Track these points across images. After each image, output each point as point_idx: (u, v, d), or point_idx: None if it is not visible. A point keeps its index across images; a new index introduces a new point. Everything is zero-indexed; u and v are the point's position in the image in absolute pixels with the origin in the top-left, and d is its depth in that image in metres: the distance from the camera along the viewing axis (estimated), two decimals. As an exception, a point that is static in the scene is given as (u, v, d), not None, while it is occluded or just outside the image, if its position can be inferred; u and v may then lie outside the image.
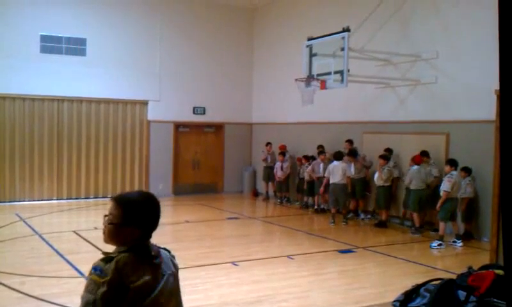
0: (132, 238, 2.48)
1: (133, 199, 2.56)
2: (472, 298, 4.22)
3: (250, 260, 8.59)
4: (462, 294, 4.22)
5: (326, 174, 12.48)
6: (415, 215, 10.96)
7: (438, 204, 10.07)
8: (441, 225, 10.04)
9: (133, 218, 2.48)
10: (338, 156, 12.26)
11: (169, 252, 2.70)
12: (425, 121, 11.71)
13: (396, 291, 6.37)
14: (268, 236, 11.34)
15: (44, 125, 14.95)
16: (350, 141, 13.22)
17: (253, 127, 18.00)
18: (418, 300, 4.15)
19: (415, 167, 10.89)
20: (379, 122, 12.88)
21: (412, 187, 10.88)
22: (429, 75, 11.64)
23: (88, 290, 2.37)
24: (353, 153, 12.57)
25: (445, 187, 9.93)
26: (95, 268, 2.40)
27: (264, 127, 17.39)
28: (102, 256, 2.46)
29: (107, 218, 2.52)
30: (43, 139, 14.96)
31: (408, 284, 6.42)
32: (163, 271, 2.53)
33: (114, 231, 2.49)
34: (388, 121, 12.64)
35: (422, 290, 4.14)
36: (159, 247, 2.62)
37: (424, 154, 11.12)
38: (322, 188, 12.90)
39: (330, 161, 13.10)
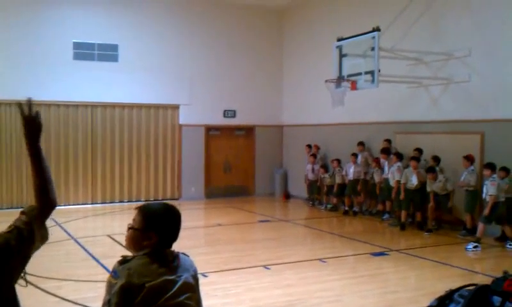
0: (150, 244, 2.61)
1: (154, 208, 2.74)
2: (508, 304, 4.09)
3: (282, 264, 8.57)
4: (497, 300, 4.09)
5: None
6: (469, 217, 10.68)
7: (487, 210, 9.79)
8: (481, 227, 9.82)
9: (152, 224, 2.63)
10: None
11: (187, 256, 2.80)
12: (459, 121, 11.50)
13: (430, 295, 6.25)
14: (300, 239, 11.30)
15: (78, 130, 15.26)
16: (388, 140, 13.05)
17: (284, 129, 17.98)
18: (452, 306, 4.05)
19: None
20: (412, 122, 12.70)
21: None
22: (462, 74, 11.42)
23: (106, 290, 2.54)
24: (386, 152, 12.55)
25: (491, 190, 9.73)
26: (112, 270, 2.57)
27: (294, 129, 17.36)
28: (120, 258, 2.62)
29: (129, 224, 2.70)
30: (78, 144, 15.27)
31: (442, 287, 6.29)
32: (180, 274, 2.62)
33: (133, 236, 2.66)
34: (420, 121, 12.46)
35: (455, 295, 4.02)
36: (178, 252, 2.73)
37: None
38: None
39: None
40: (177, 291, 2.57)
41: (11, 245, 2.09)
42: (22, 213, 2.24)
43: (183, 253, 2.77)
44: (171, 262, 2.64)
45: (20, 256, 2.13)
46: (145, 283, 2.49)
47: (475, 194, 10.53)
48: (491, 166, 9.99)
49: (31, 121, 2.31)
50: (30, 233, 2.17)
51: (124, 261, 2.59)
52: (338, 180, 14.13)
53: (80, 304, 6.53)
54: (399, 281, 7.77)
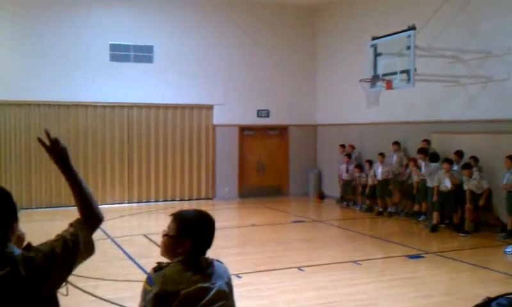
0: (184, 251, 2.65)
1: (188, 214, 2.77)
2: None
3: (315, 265, 8.53)
4: (536, 309, 4.00)
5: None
6: (511, 219, 10.38)
7: None
8: None
9: (186, 231, 2.67)
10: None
11: (221, 263, 2.81)
12: (498, 120, 11.22)
13: (466, 299, 6.16)
14: (334, 240, 11.22)
15: (115, 131, 15.54)
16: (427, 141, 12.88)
17: (318, 129, 17.88)
18: (489, 315, 3.96)
19: None
20: (449, 121, 12.46)
21: None
22: (501, 72, 11.14)
23: (141, 296, 2.59)
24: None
25: None
26: (147, 276, 2.62)
27: (329, 128, 17.24)
28: (155, 265, 2.66)
29: (163, 231, 2.73)
30: (115, 144, 15.54)
31: (479, 292, 6.18)
32: (214, 281, 2.63)
33: (168, 243, 2.71)
34: (457, 121, 12.21)
35: (493, 304, 3.94)
36: (212, 259, 2.75)
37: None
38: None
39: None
40: (211, 299, 2.59)
41: (56, 253, 2.19)
42: (70, 225, 2.34)
43: (217, 260, 2.78)
44: (206, 269, 2.66)
45: (64, 266, 2.22)
46: (180, 291, 2.52)
47: None
48: None
49: (54, 149, 2.37)
50: (75, 244, 2.26)
51: (159, 268, 2.63)
52: (370, 181, 14.02)
53: (116, 304, 6.66)
54: (435, 284, 7.64)
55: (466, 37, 11.87)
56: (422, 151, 12.42)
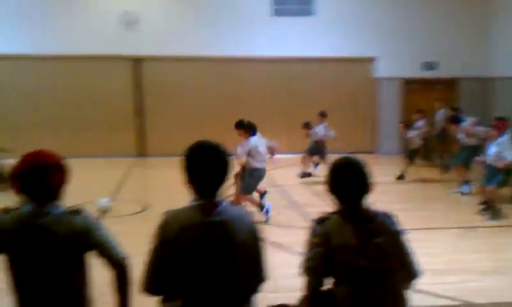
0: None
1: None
2: None
3: (484, 227, 7.97)
4: None
5: None
6: None
7: None
8: None
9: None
10: None
11: (390, 217, 2.70)
12: None
13: None
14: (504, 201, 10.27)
15: (274, 85, 15.93)
16: None
17: (496, 82, 16.10)
18: None
19: None
20: None
21: None
22: None
23: (306, 247, 2.70)
24: None
25: None
26: (311, 228, 2.71)
27: (510, 81, 15.40)
28: (316, 218, 2.74)
29: None
30: (276, 98, 15.94)
31: None
32: (372, 236, 2.58)
33: None
34: None
35: None
36: (379, 213, 2.66)
37: None
38: None
39: None
40: (367, 253, 2.56)
41: None
42: None
43: (386, 213, 2.69)
44: (367, 222, 2.61)
45: None
46: (337, 244, 2.58)
47: None
48: None
49: None
50: None
51: (321, 220, 2.68)
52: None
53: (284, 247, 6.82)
54: None
55: None
56: None
